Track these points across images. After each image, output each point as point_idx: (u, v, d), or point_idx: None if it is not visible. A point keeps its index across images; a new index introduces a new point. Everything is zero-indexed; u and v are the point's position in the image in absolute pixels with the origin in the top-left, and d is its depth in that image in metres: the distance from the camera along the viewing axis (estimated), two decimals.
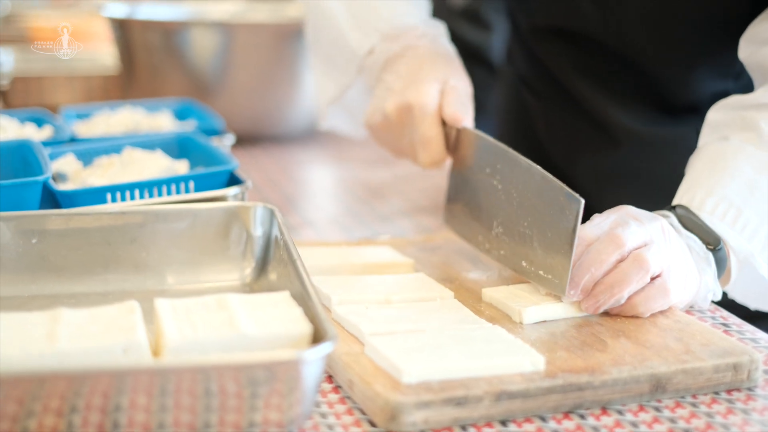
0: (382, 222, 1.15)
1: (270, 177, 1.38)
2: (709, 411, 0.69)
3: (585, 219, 1.18)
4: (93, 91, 1.84)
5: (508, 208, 0.90)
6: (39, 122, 1.33)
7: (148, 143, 1.13)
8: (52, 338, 0.65)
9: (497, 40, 1.76)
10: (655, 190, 1.11)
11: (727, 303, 0.94)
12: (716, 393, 0.72)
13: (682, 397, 0.71)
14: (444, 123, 1.00)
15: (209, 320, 0.68)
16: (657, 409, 0.69)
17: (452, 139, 1.00)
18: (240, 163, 1.42)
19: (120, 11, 1.67)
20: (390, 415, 0.64)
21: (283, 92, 1.56)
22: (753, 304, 0.97)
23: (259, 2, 1.88)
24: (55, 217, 0.88)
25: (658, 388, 0.70)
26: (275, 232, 0.87)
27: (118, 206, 0.92)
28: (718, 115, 0.98)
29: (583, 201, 0.80)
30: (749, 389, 0.73)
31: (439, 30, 1.11)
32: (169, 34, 1.53)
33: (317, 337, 0.66)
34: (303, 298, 0.71)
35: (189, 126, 1.33)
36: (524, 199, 0.88)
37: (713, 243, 0.88)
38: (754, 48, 0.99)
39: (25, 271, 0.87)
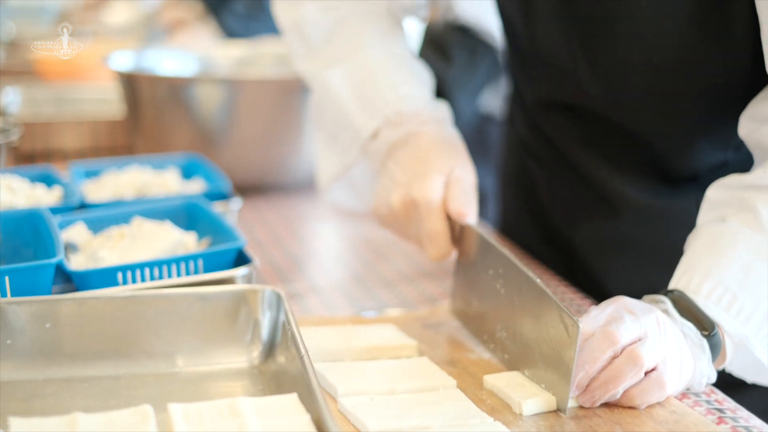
0: (387, 289, 1.17)
1: (275, 233, 1.41)
2: None
3: (587, 286, 1.21)
4: (100, 136, 1.87)
5: (511, 315, 0.92)
6: (48, 182, 1.36)
7: (156, 211, 1.16)
8: None
9: (457, 72, 1.76)
10: (655, 258, 1.14)
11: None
12: None
13: None
14: (450, 216, 1.03)
15: (221, 427, 0.71)
16: None
17: (457, 232, 1.03)
18: (245, 215, 1.45)
19: (126, 64, 1.70)
20: None
21: (287, 144, 1.59)
22: (750, 378, 0.99)
23: (263, 48, 1.91)
24: (68, 302, 0.91)
25: None
26: (282, 317, 0.90)
27: (129, 290, 0.95)
28: (717, 193, 1.01)
29: (581, 326, 0.82)
30: None
31: (444, 113, 1.14)
32: (176, 89, 1.55)
33: None
34: (309, 398, 0.74)
35: (196, 186, 1.36)
36: (525, 310, 0.90)
37: (708, 328, 0.91)
38: (754, 126, 1.02)
39: (39, 356, 0.90)
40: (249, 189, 1.60)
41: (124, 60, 1.73)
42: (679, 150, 1.13)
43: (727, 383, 0.97)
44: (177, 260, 1.00)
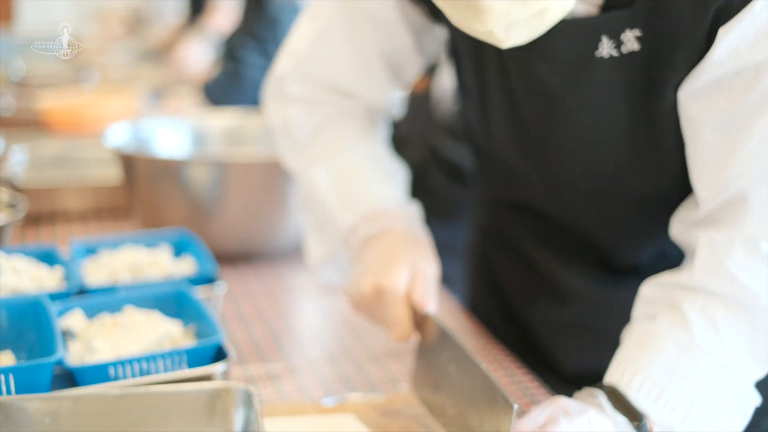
0: (355, 369, 1.29)
1: (258, 306, 1.53)
2: None
3: (543, 362, 1.33)
4: (101, 199, 1.99)
5: (460, 395, 1.05)
6: (51, 261, 1.48)
7: (147, 298, 1.29)
8: None
9: None
10: (601, 340, 1.25)
11: None
12: None
13: None
14: (413, 306, 1.15)
15: None
16: None
17: (419, 318, 1.15)
18: (231, 286, 1.57)
19: (124, 144, 1.83)
20: None
21: (272, 218, 1.71)
22: None
23: (252, 116, 2.04)
24: (65, 399, 1.03)
25: None
26: (252, 414, 1.02)
27: (120, 387, 1.06)
28: (649, 291, 1.13)
29: (516, 407, 0.94)
30: None
31: (414, 213, 1.27)
32: (170, 168, 1.68)
33: None
34: None
35: (186, 265, 1.48)
36: (472, 391, 1.02)
37: (638, 419, 1.02)
38: (683, 228, 1.13)
39: None
40: (237, 258, 1.72)
41: (121, 133, 1.86)
42: (619, 246, 1.24)
43: None
44: (163, 355, 1.12)
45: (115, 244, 1.53)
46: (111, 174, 2.04)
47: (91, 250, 1.53)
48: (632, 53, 1.04)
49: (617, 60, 1.05)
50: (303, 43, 1.32)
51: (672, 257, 1.21)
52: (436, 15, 1.18)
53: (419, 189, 1.92)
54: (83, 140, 2.50)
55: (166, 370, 1.12)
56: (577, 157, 1.15)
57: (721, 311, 1.04)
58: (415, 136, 1.95)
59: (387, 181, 1.29)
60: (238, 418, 1.03)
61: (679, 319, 1.07)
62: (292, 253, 1.77)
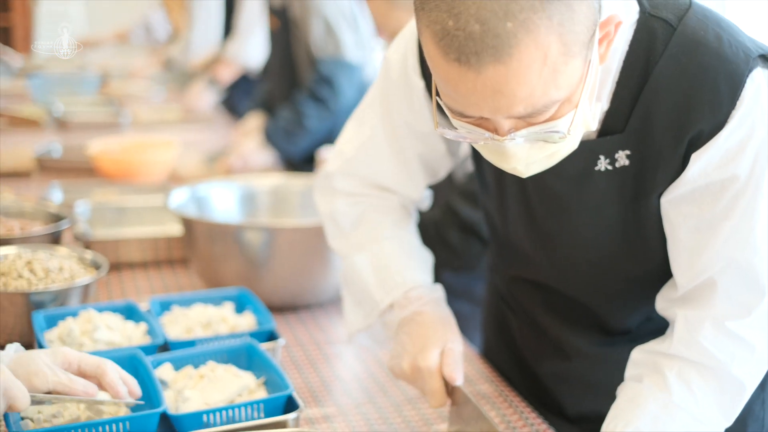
0: (394, 409, 1.57)
1: (307, 353, 1.80)
2: None
3: (550, 406, 1.60)
4: (160, 251, 2.27)
5: None
6: (131, 315, 1.75)
7: (223, 352, 1.56)
8: None
9: None
10: (599, 390, 1.51)
11: None
12: None
13: None
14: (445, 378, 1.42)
15: None
16: None
17: (449, 389, 1.42)
18: (282, 333, 1.83)
19: (184, 204, 2.10)
20: None
21: (315, 274, 1.98)
22: None
23: (294, 178, 2.32)
24: None
25: None
26: None
27: None
28: (638, 355, 1.39)
29: None
30: None
31: (439, 294, 1.54)
32: (228, 232, 1.95)
33: None
34: None
35: (248, 320, 1.75)
36: None
37: None
38: (666, 305, 1.40)
39: None
40: (285, 309, 1.99)
41: (181, 196, 2.13)
42: (613, 314, 1.51)
43: None
44: (245, 405, 1.39)
45: (185, 301, 1.80)
46: (168, 227, 2.32)
47: (165, 306, 1.80)
48: (624, 168, 1.31)
49: (611, 173, 1.32)
50: (349, 147, 1.60)
51: (657, 321, 1.47)
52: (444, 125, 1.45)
53: (438, 243, 2.20)
54: (136, 189, 2.77)
55: (247, 419, 1.39)
56: (578, 247, 1.43)
57: (695, 375, 1.31)
58: (435, 196, 2.22)
59: (417, 267, 1.56)
60: None
61: (660, 381, 1.33)
62: (330, 305, 2.04)
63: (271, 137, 3.35)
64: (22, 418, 1.36)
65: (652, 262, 1.40)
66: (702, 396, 1.30)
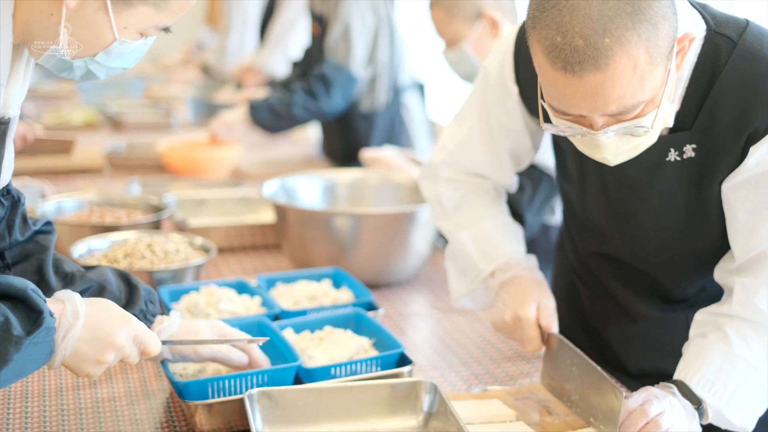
0: (494, 364, 1.82)
1: (398, 325, 2.05)
2: None
3: (615, 366, 1.85)
4: (256, 236, 2.52)
5: (581, 387, 1.56)
6: (243, 290, 2.00)
7: (335, 319, 1.80)
8: None
9: (526, 198, 2.40)
10: (659, 351, 1.77)
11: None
12: None
13: None
14: (540, 327, 1.67)
15: None
16: None
17: (545, 336, 1.67)
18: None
19: (278, 194, 2.35)
20: None
21: (396, 255, 2.23)
22: (723, 427, 1.60)
23: (370, 174, 2.57)
24: (314, 390, 1.53)
25: None
26: (436, 397, 1.52)
27: (342, 382, 1.57)
28: (701, 317, 1.63)
29: (624, 394, 1.45)
30: None
31: (533, 262, 1.80)
32: (317, 218, 2.20)
33: None
34: None
35: (346, 294, 2.00)
36: (591, 386, 1.54)
37: (697, 403, 1.53)
38: (723, 275, 1.64)
39: (299, 418, 1.52)
40: (368, 286, 2.24)
41: (272, 187, 2.39)
42: (675, 284, 1.76)
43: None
44: (365, 360, 1.63)
45: (288, 279, 2.05)
46: (258, 215, 2.58)
47: (271, 283, 2.05)
48: (690, 159, 1.56)
49: (680, 163, 1.57)
50: (451, 142, 1.86)
51: (710, 291, 1.72)
52: (546, 121, 1.69)
53: None
54: (207, 184, 3.02)
55: (367, 372, 1.64)
56: (648, 224, 1.67)
57: (751, 332, 1.55)
58: None
59: (513, 241, 1.83)
60: (426, 402, 1.54)
61: (722, 336, 1.57)
62: (407, 284, 2.28)
63: (255, 110, 3.48)
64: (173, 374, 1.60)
65: (711, 239, 1.65)
66: (757, 347, 1.55)
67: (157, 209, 2.47)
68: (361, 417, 1.53)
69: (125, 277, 1.60)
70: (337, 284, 2.06)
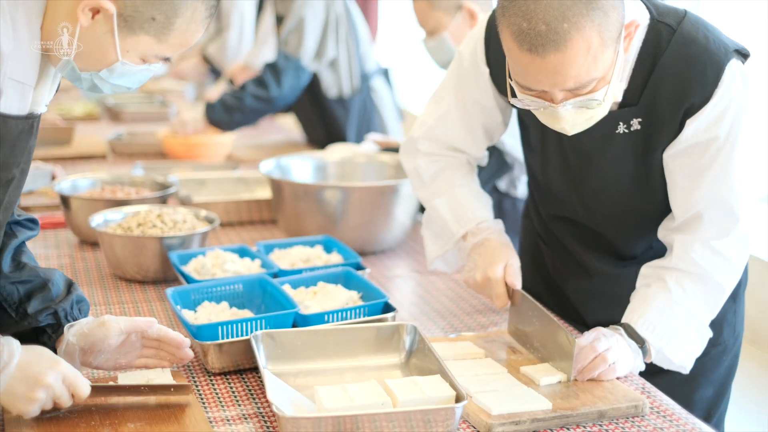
0: (465, 316, 2.06)
1: (384, 285, 2.29)
2: (623, 427, 1.58)
3: (574, 317, 2.09)
4: (252, 211, 2.75)
5: (541, 335, 1.80)
6: (244, 255, 2.23)
7: (327, 276, 2.04)
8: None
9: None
10: (612, 302, 2.00)
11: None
12: (627, 418, 1.61)
13: (615, 421, 1.60)
14: (506, 285, 1.91)
15: (412, 389, 1.57)
16: (601, 426, 1.58)
17: (510, 292, 1.91)
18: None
19: (273, 172, 2.59)
20: (487, 429, 1.54)
21: (381, 225, 2.47)
22: (665, 366, 1.84)
23: (358, 151, 2.81)
24: (310, 332, 1.76)
25: (601, 416, 1.60)
26: (417, 337, 1.76)
27: (335, 325, 1.81)
28: (646, 270, 1.88)
29: (576, 340, 1.70)
30: (642, 416, 1.62)
31: (501, 226, 2.04)
32: (309, 192, 2.44)
33: (458, 398, 1.55)
34: (445, 376, 1.60)
35: (336, 257, 2.23)
36: (549, 333, 1.78)
37: (641, 343, 1.77)
38: (665, 233, 1.89)
39: (295, 356, 1.75)
40: (357, 252, 2.48)
41: (268, 165, 2.62)
42: (625, 243, 2.00)
43: (649, 372, 1.83)
44: (354, 308, 1.87)
45: (284, 245, 2.29)
46: (250, 194, 2.80)
47: (269, 249, 2.28)
48: (636, 131, 1.80)
49: (627, 135, 1.81)
50: (430, 118, 2.09)
51: (656, 249, 1.96)
52: (513, 96, 1.92)
53: None
54: (205, 167, 3.24)
55: (356, 318, 1.87)
56: (602, 190, 1.92)
57: (688, 281, 1.80)
58: None
59: (483, 207, 2.07)
60: (407, 341, 1.77)
61: (663, 285, 1.82)
62: (390, 251, 2.53)
63: (209, 109, 3.69)
64: None
65: (655, 201, 1.89)
66: (693, 295, 1.80)
67: (164, 186, 2.70)
68: (351, 355, 1.76)
69: (69, 284, 1.69)
70: (328, 250, 2.29)
